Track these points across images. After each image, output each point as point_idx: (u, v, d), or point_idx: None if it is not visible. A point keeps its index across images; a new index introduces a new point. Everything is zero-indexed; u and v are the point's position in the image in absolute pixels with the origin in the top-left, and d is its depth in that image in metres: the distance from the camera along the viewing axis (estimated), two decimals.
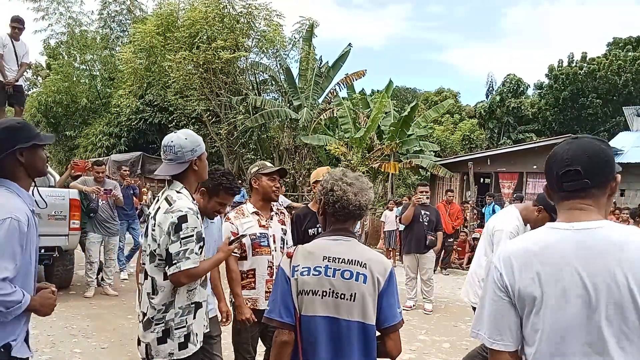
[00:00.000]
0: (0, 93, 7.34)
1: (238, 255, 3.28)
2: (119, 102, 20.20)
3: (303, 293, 1.97)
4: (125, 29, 23.78)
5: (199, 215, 2.45)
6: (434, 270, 8.23)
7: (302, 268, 1.99)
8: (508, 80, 29.72)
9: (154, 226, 2.41)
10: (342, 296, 1.95)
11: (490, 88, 33.69)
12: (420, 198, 7.28)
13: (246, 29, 18.86)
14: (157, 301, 2.42)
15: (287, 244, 3.49)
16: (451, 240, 11.17)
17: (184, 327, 2.47)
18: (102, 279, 7.33)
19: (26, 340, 2.15)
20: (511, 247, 1.54)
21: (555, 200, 1.56)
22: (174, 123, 18.92)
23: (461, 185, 16.20)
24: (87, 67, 23.58)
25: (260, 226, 3.33)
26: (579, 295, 1.39)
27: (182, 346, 2.45)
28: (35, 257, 2.16)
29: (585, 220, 1.46)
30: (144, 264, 2.48)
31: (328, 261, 1.98)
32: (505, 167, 15.42)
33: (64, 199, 6.54)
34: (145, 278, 2.46)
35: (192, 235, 2.36)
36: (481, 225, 13.00)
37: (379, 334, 2.04)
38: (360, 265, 1.98)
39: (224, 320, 3.26)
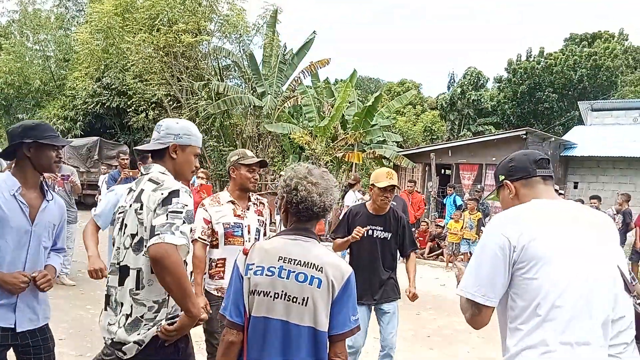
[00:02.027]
0: None
1: (208, 243, 3.22)
2: (75, 85, 19.48)
3: (255, 293, 1.89)
4: (81, 8, 22.90)
5: (192, 196, 2.16)
6: None
7: (257, 267, 1.90)
8: (469, 73, 30.27)
9: (140, 209, 2.11)
10: (294, 299, 1.86)
11: (452, 80, 34.25)
12: None
13: (208, 12, 18.48)
14: (145, 296, 2.09)
15: (264, 235, 3.43)
16: (413, 230, 11.29)
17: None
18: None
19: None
20: None
21: None
22: (133, 107, 18.40)
23: (423, 175, 16.46)
24: (41, 48, 22.58)
25: (235, 215, 3.26)
26: None
27: None
28: (17, 237, 2.38)
29: None
30: (117, 263, 2.17)
31: (283, 262, 1.89)
32: (466, 158, 15.74)
33: None
34: (127, 275, 2.12)
35: (181, 212, 2.04)
36: (442, 216, 13.23)
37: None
38: (316, 269, 1.88)
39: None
